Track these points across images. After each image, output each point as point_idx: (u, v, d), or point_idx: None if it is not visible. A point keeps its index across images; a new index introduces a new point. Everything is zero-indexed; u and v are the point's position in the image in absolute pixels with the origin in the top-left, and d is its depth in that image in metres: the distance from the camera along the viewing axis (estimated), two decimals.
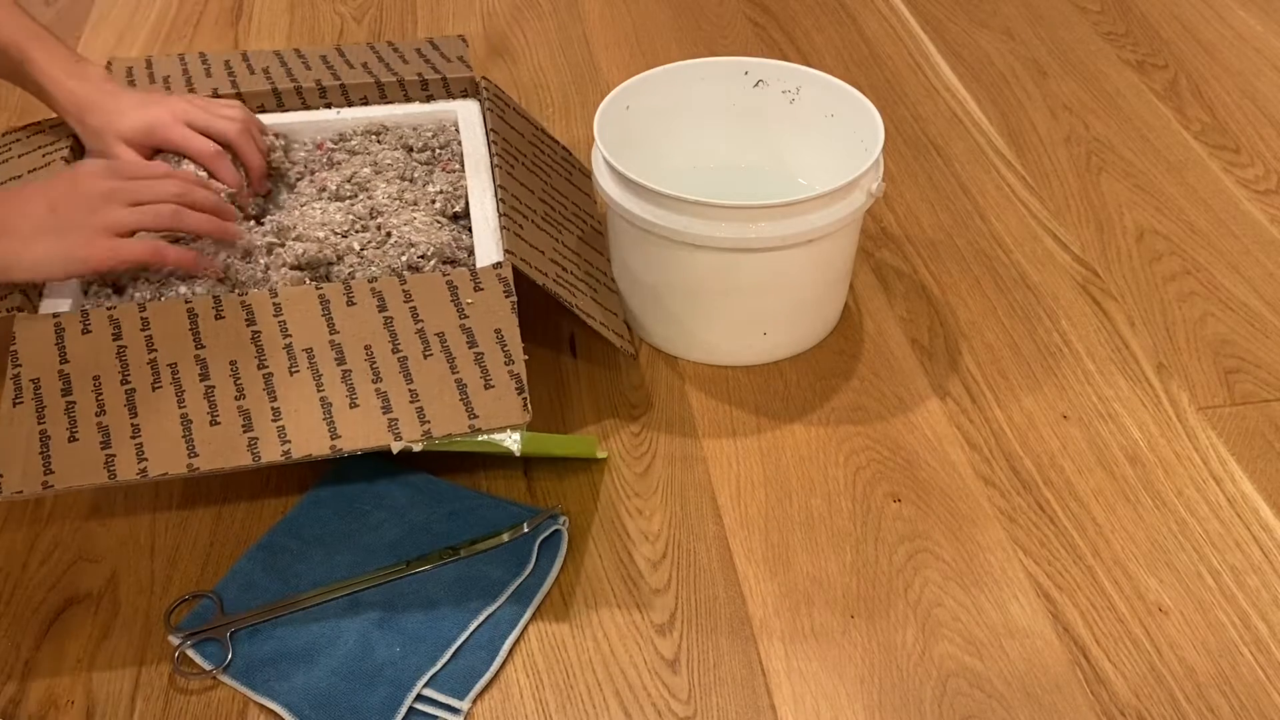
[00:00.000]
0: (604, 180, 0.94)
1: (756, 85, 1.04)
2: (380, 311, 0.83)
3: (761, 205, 0.87)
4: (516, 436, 0.78)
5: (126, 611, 0.79)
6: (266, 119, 1.05)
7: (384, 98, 1.09)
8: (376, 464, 0.88)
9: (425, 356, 0.81)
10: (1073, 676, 0.75)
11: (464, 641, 0.76)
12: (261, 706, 0.73)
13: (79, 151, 1.01)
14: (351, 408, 0.78)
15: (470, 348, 0.81)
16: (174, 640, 0.76)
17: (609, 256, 1.01)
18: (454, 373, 0.80)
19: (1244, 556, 0.82)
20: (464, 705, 0.73)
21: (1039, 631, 0.77)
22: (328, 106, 1.08)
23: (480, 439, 0.78)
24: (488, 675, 0.74)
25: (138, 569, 0.82)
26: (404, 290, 0.84)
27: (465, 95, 1.09)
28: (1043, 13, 1.45)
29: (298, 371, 0.80)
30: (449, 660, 0.75)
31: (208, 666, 0.75)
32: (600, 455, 0.89)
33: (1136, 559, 0.82)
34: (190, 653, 0.75)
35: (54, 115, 1.01)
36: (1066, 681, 0.75)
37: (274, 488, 0.87)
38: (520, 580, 0.79)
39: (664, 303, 0.95)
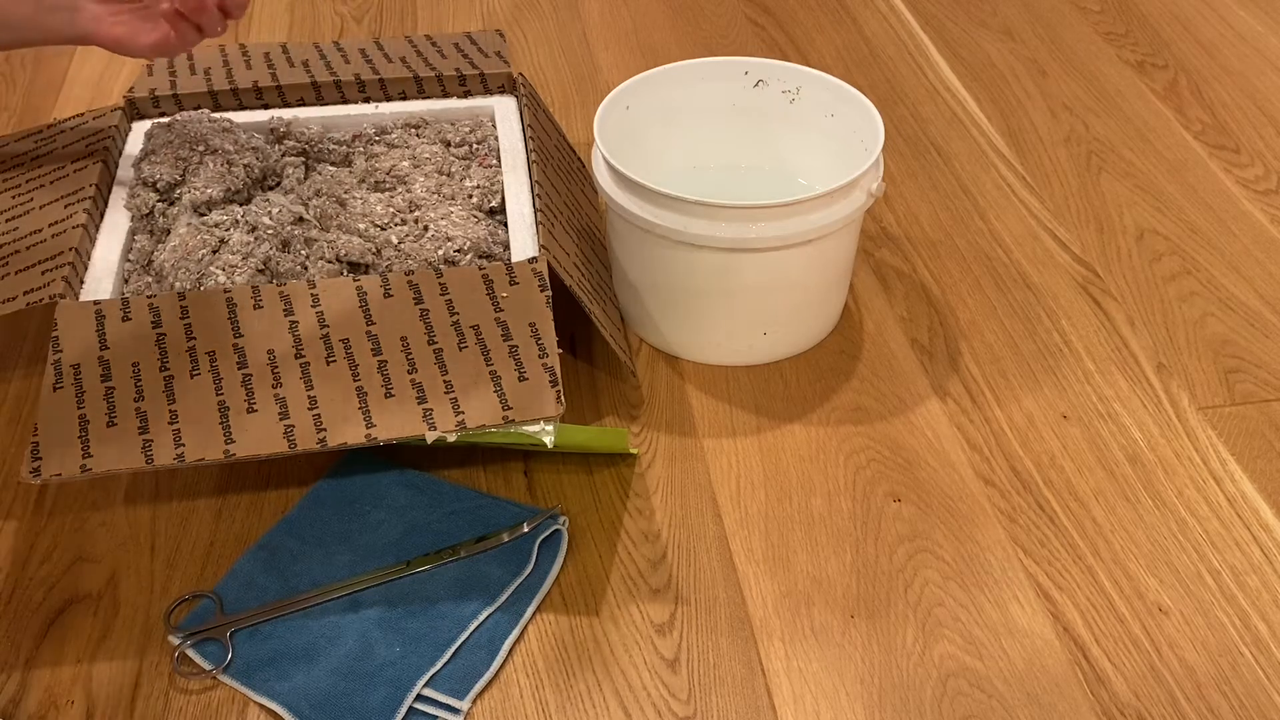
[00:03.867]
0: (604, 180, 0.94)
1: (756, 85, 1.04)
2: (416, 304, 0.84)
3: (761, 205, 0.87)
4: (550, 429, 0.78)
5: (126, 611, 0.79)
6: (305, 112, 1.07)
7: (422, 93, 1.10)
8: (377, 463, 0.88)
9: (460, 349, 0.81)
10: (1073, 676, 0.75)
11: (464, 641, 0.76)
12: (261, 706, 0.73)
13: (121, 139, 1.03)
14: (387, 398, 0.79)
15: (505, 340, 0.82)
16: (174, 640, 0.76)
17: (609, 262, 1.01)
18: (488, 365, 0.80)
19: (1244, 556, 0.82)
20: (464, 705, 0.73)
21: (1039, 631, 0.77)
22: (366, 101, 1.09)
23: (514, 431, 0.78)
24: (488, 675, 0.74)
25: (138, 569, 0.82)
26: (440, 283, 0.85)
27: (502, 91, 1.10)
28: (1043, 13, 1.45)
29: (334, 361, 0.81)
30: (449, 660, 0.75)
31: (208, 666, 0.75)
32: (632, 450, 0.89)
33: (1136, 559, 0.82)
34: (190, 653, 0.76)
35: (97, 108, 1.00)
36: (1066, 681, 0.75)
37: (274, 487, 0.87)
38: (520, 580, 0.79)
39: (664, 303, 0.96)
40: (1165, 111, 1.27)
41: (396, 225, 0.96)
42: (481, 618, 0.77)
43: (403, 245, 0.93)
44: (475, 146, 1.05)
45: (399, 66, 1.10)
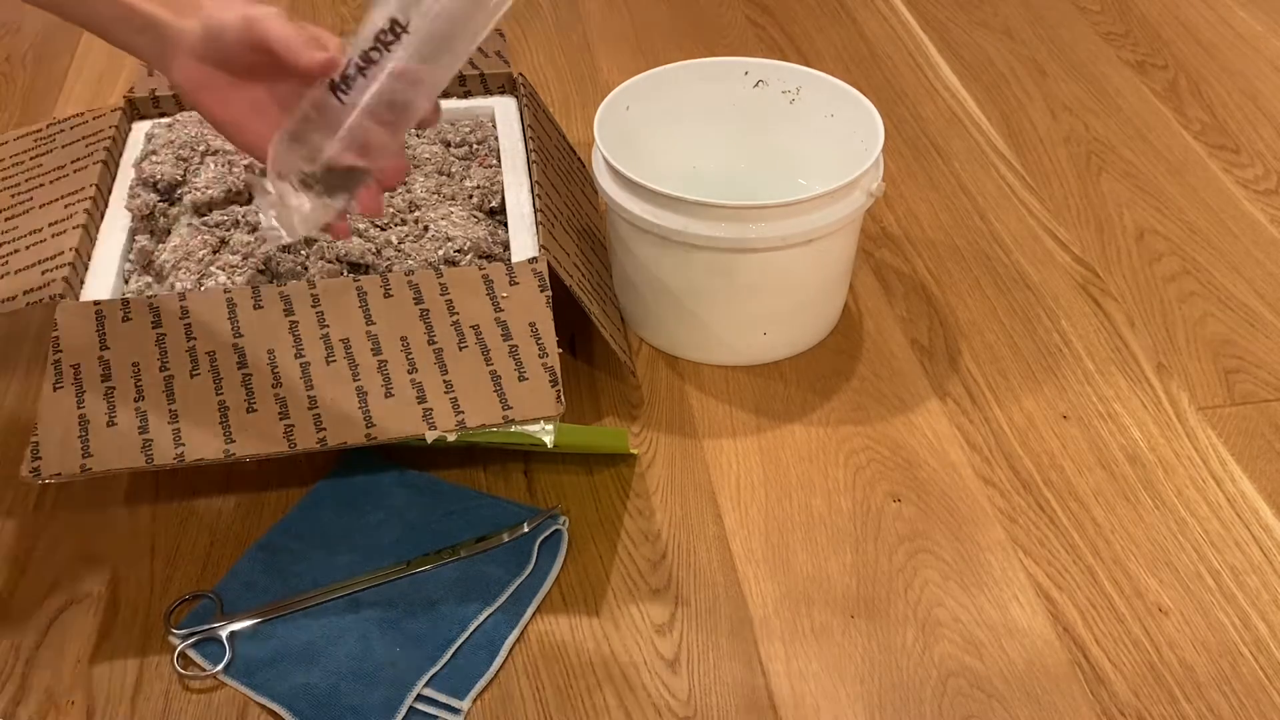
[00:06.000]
0: (604, 180, 0.94)
1: (756, 85, 1.04)
2: (416, 304, 0.84)
3: (761, 205, 0.87)
4: (550, 428, 0.78)
5: (126, 611, 0.79)
6: None
7: None
8: (377, 463, 0.88)
9: (460, 348, 0.81)
10: (1073, 676, 0.75)
11: (464, 641, 0.76)
12: (261, 706, 0.73)
13: (122, 139, 1.02)
14: (387, 397, 0.79)
15: (505, 340, 0.82)
16: (174, 640, 0.76)
17: (609, 262, 1.01)
18: (488, 364, 0.81)
19: (1244, 556, 0.82)
20: (464, 705, 0.73)
21: (1039, 631, 0.77)
22: None
23: (513, 430, 0.78)
24: (488, 675, 0.74)
25: (138, 569, 0.82)
26: (440, 283, 0.85)
27: (503, 91, 1.10)
28: (1043, 13, 1.45)
29: (334, 361, 0.81)
30: (449, 660, 0.75)
31: (208, 666, 0.75)
32: (632, 450, 0.89)
33: (1136, 559, 0.82)
34: (190, 653, 0.76)
35: (96, 108, 0.99)
36: (1066, 681, 0.75)
37: (274, 487, 0.87)
38: (520, 580, 0.79)
39: (663, 303, 0.96)
40: (1165, 111, 1.27)
41: (396, 225, 0.96)
42: (481, 618, 0.77)
43: (403, 245, 0.93)
44: (475, 147, 1.05)
45: None
